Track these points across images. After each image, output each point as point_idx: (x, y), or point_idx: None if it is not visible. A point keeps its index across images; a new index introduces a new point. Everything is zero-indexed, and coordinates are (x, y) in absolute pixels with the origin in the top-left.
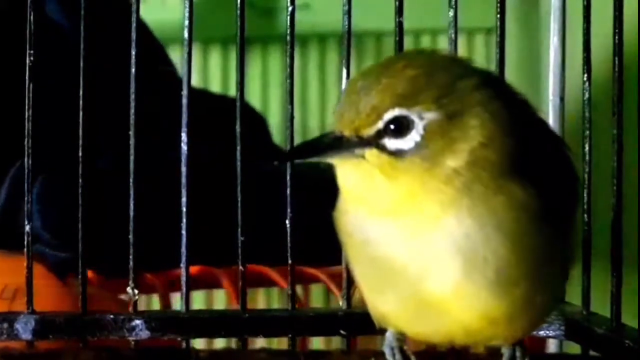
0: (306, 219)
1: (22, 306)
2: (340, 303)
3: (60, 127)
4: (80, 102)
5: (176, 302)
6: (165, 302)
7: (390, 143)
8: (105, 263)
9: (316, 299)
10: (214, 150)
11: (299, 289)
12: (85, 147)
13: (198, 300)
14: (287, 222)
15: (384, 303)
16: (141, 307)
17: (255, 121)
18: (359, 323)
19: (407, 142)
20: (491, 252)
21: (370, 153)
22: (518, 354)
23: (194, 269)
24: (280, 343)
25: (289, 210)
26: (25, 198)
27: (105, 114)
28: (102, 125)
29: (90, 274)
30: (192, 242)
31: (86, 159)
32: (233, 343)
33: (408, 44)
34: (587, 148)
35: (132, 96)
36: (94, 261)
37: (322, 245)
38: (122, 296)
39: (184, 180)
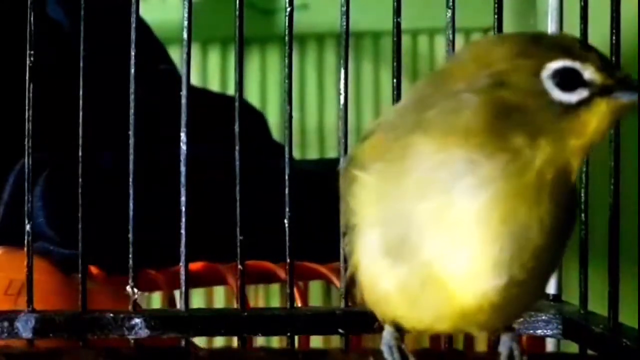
0: (306, 215)
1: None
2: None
3: (62, 125)
4: (80, 102)
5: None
6: (170, 299)
7: None
8: (110, 259)
9: (315, 296)
10: (218, 146)
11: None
12: (85, 146)
13: (197, 299)
14: (285, 221)
15: (389, 277)
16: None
17: (255, 118)
18: (357, 322)
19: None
20: (531, 243)
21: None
22: (516, 352)
23: (197, 265)
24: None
25: (287, 209)
26: (26, 197)
27: (107, 112)
28: (103, 123)
29: (95, 270)
30: (196, 238)
31: (86, 157)
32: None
33: (405, 43)
34: None
35: (132, 96)
36: (99, 257)
37: (322, 241)
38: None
39: (183, 180)
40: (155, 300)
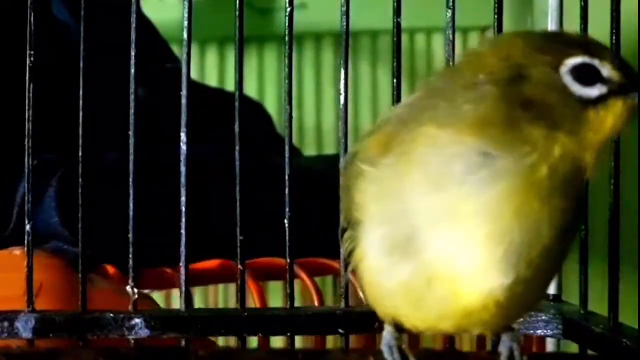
0: (321, 209)
1: (46, 301)
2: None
3: (73, 126)
4: (80, 102)
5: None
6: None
7: None
8: (125, 259)
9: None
10: (229, 143)
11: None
12: (85, 146)
13: (197, 298)
14: (286, 220)
15: (393, 274)
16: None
17: (255, 114)
18: (357, 322)
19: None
20: (539, 243)
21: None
22: (516, 352)
23: (213, 263)
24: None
25: (287, 209)
26: (26, 198)
27: (116, 112)
28: (115, 123)
29: (111, 269)
30: (213, 235)
31: (86, 157)
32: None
33: (403, 42)
34: None
35: (132, 96)
36: (114, 257)
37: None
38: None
39: (182, 180)
40: (157, 300)
